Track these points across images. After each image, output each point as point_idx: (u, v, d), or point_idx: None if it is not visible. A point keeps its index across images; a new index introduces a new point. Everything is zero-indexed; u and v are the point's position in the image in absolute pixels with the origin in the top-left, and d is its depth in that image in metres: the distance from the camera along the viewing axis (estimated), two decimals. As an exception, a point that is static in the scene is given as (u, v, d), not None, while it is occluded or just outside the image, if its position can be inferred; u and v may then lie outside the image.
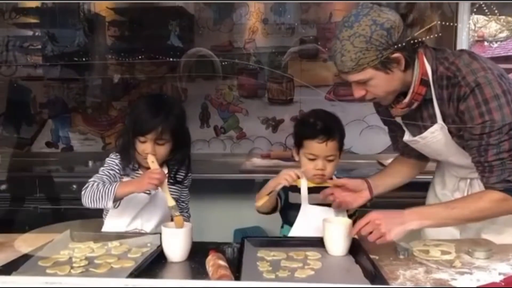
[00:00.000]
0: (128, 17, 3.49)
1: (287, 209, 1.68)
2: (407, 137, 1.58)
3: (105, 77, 3.58)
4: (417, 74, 1.40)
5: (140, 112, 1.67)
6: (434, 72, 1.41)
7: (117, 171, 1.68)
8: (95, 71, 3.59)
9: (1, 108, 3.61)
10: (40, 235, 1.42)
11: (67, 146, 3.61)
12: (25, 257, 1.31)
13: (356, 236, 1.41)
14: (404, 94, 1.45)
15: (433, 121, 1.47)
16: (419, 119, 1.51)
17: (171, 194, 1.70)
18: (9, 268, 1.22)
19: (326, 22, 3.32)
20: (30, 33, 3.60)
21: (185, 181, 1.78)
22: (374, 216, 1.36)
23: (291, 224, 1.65)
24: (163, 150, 1.64)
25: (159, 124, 1.59)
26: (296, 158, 1.72)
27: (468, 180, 1.61)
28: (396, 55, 1.34)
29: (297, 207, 1.64)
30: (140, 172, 1.69)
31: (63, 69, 3.56)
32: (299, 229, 1.61)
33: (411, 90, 1.42)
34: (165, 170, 1.70)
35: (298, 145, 1.69)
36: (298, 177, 1.57)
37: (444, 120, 1.44)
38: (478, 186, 1.56)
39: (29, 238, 1.43)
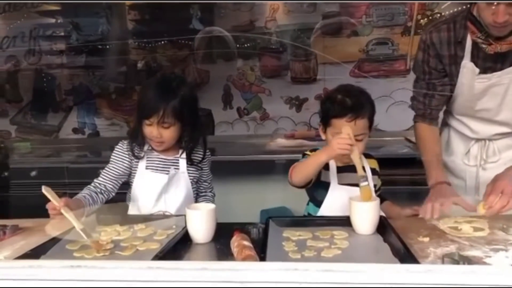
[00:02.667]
0: (149, 1, 3.48)
1: (316, 187, 1.59)
2: (471, 76, 1.60)
3: (128, 62, 3.59)
4: None
5: (144, 95, 1.67)
6: None
7: (127, 162, 1.68)
8: (118, 57, 3.60)
9: (28, 96, 3.69)
10: (67, 219, 1.43)
11: (93, 132, 3.67)
12: (54, 241, 1.33)
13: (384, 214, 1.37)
14: None
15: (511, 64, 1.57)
16: (498, 58, 1.57)
17: (190, 175, 1.70)
18: (38, 252, 1.25)
19: (348, -3, 3.24)
20: (52, 20, 3.63)
21: (204, 162, 1.77)
22: None
23: (317, 202, 1.61)
24: (168, 133, 1.62)
25: (161, 107, 1.56)
26: (323, 137, 1.63)
27: (486, 142, 1.67)
28: None
29: (326, 185, 1.58)
30: (155, 152, 1.69)
31: (87, 56, 3.60)
32: (327, 209, 1.57)
33: None
34: (180, 152, 1.70)
35: (325, 123, 1.60)
36: (351, 145, 1.43)
37: None
38: (493, 148, 1.65)
39: (57, 222, 1.45)
